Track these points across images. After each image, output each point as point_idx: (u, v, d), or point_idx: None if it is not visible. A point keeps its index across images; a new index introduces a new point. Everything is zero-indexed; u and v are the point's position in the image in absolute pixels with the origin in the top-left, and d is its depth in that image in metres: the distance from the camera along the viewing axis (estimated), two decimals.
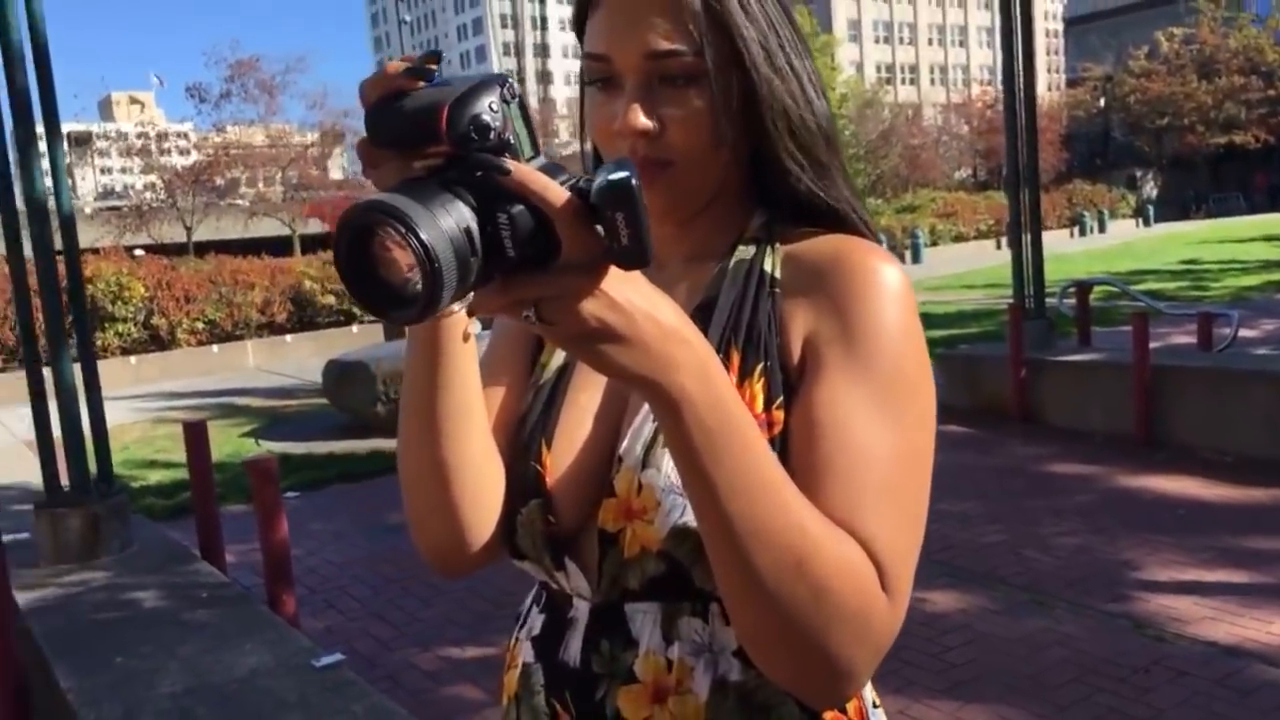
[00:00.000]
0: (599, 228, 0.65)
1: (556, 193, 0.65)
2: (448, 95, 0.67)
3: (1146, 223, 40.92)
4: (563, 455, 0.95)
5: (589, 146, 0.99)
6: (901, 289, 0.88)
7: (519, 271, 0.66)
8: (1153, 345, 7.14)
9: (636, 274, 0.69)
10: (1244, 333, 9.30)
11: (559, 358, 1.01)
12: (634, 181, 0.63)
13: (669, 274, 0.97)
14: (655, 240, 0.79)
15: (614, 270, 0.67)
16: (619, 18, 0.89)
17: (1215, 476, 6.04)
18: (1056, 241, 30.17)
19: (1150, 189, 50.01)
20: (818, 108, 0.93)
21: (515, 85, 0.70)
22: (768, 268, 0.93)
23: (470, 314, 0.71)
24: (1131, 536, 5.12)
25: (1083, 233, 36.34)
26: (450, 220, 0.62)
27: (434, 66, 0.70)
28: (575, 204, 0.65)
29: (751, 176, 0.96)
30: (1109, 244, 31.10)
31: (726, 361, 0.88)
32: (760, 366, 0.88)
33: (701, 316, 0.92)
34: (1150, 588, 4.44)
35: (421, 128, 0.67)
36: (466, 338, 0.87)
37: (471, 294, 0.67)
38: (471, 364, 0.90)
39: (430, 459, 0.92)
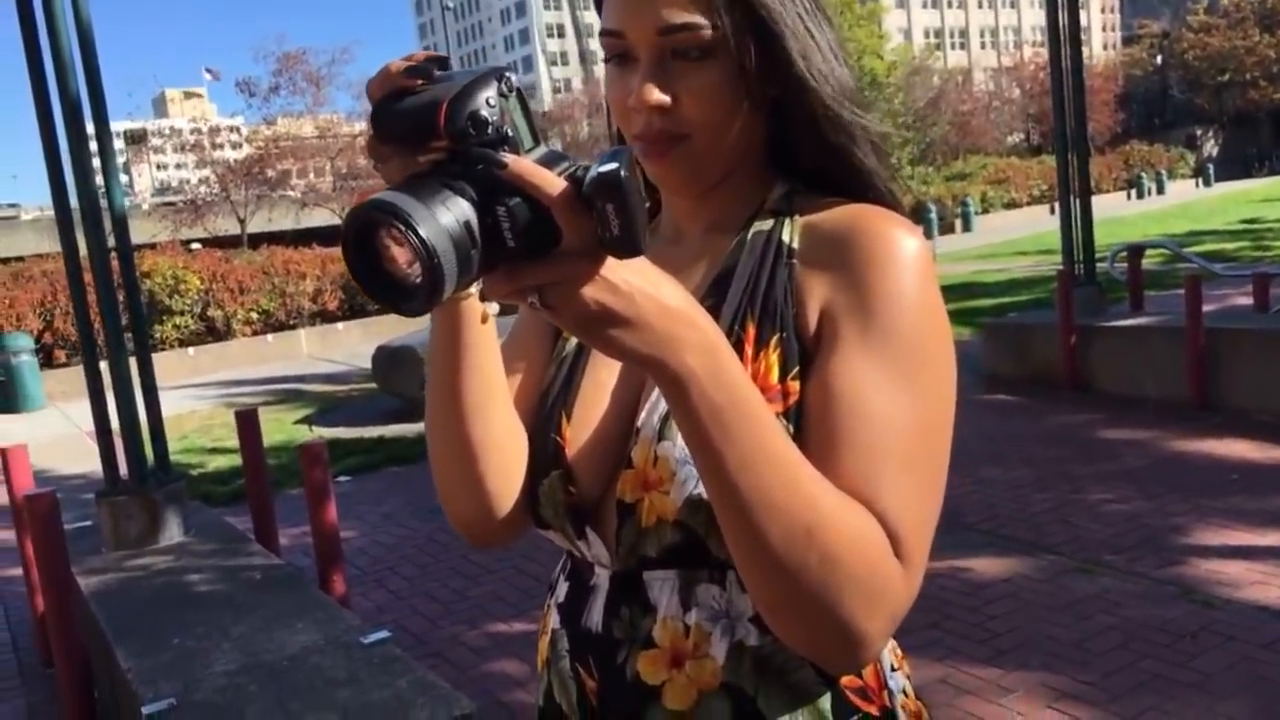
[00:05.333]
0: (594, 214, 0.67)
1: (552, 183, 0.67)
2: (447, 92, 0.70)
3: (1206, 183, 39.84)
4: (582, 427, 0.97)
5: (615, 126, 1.00)
6: (919, 257, 0.88)
7: (521, 259, 0.69)
8: (1207, 308, 6.98)
9: (639, 256, 0.71)
10: None
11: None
12: (623, 173, 0.65)
13: (688, 245, 0.99)
14: (675, 211, 0.79)
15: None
16: None
17: (1271, 440, 5.91)
18: (1113, 204, 29.56)
19: (1210, 148, 48.70)
20: (840, 74, 0.93)
21: (513, 79, 0.73)
22: (785, 238, 0.93)
23: (482, 300, 0.74)
24: (1182, 502, 5.04)
25: (1140, 195, 35.51)
26: (450, 215, 0.65)
27: (438, 69, 0.73)
28: (571, 193, 0.67)
29: (771, 148, 0.97)
30: (1167, 205, 30.35)
31: (742, 332, 0.90)
32: (776, 337, 0.89)
33: (719, 288, 0.93)
34: (1200, 553, 4.38)
35: (422, 124, 0.70)
36: (485, 319, 0.90)
37: (479, 281, 0.70)
38: (491, 344, 0.93)
39: (455, 436, 0.95)
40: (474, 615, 4.48)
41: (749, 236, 0.96)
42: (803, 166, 0.97)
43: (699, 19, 0.87)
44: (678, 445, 0.88)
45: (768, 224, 0.96)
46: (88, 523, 4.66)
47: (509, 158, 0.68)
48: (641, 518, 0.91)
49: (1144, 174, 37.43)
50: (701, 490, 0.86)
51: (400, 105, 0.72)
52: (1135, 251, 9.37)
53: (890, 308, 0.86)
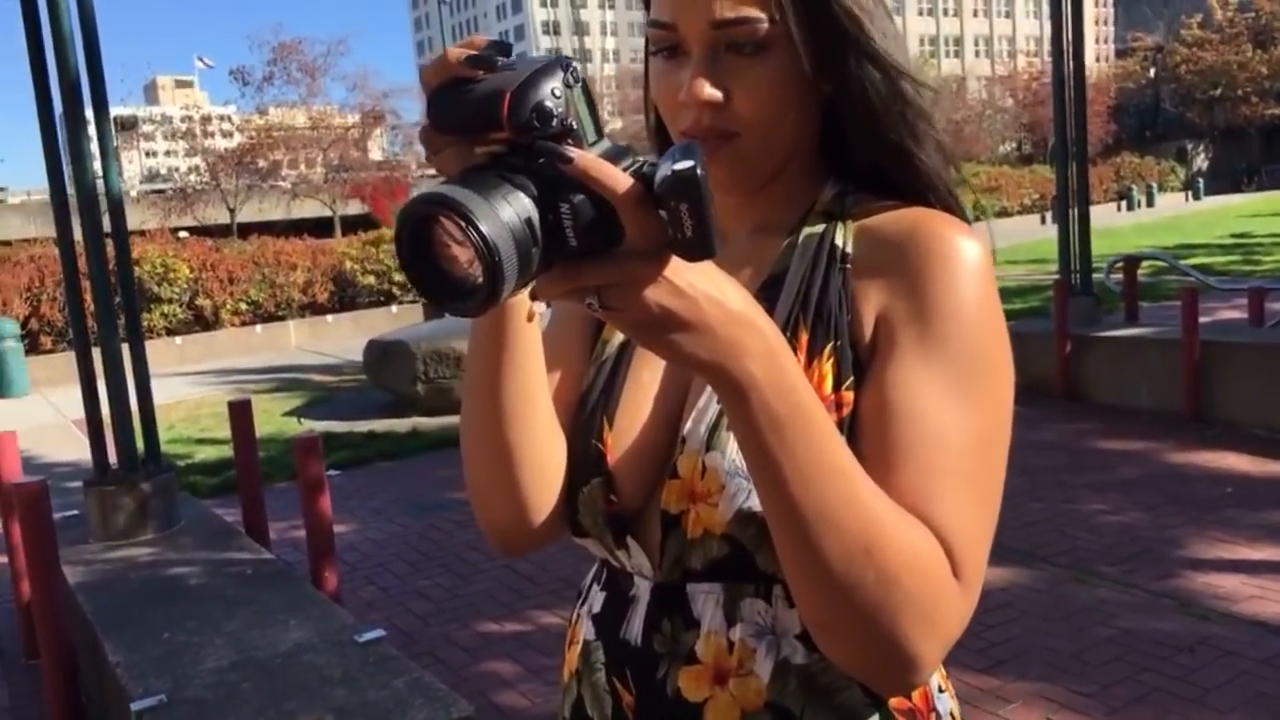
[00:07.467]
0: (662, 213, 0.63)
1: (619, 180, 0.63)
2: (510, 81, 0.66)
3: (1196, 196, 40.13)
4: (624, 434, 0.93)
5: (653, 118, 0.97)
6: (980, 263, 0.84)
7: (581, 258, 0.65)
8: (1202, 320, 7.00)
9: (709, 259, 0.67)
10: None
11: (621, 333, 0.99)
12: (699, 171, 0.62)
13: (735, 247, 0.95)
14: (720, 211, 0.75)
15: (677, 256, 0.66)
16: None
17: (1265, 453, 5.93)
18: (1104, 216, 29.71)
19: (1200, 161, 49.06)
20: (907, 68, 0.89)
21: (579, 69, 0.69)
22: (839, 242, 0.90)
23: (533, 299, 0.70)
24: (1178, 514, 5.03)
25: (1130, 207, 35.73)
26: (511, 211, 0.62)
27: (500, 56, 0.69)
28: (638, 191, 0.63)
29: (823, 147, 0.94)
30: (1157, 218, 30.53)
31: (794, 340, 0.86)
32: (830, 346, 0.86)
33: (768, 293, 0.90)
34: (1196, 566, 4.37)
35: (484, 115, 0.66)
36: (531, 318, 0.86)
37: (534, 280, 0.66)
38: (535, 344, 0.89)
39: (493, 438, 0.91)
40: (466, 614, 4.44)
41: (800, 239, 0.92)
42: (857, 165, 0.93)
43: (756, 12, 0.83)
44: (727, 456, 0.85)
45: (819, 227, 0.92)
46: (73, 512, 4.60)
47: (574, 152, 0.64)
48: (687, 529, 0.87)
49: (1134, 186, 37.65)
50: (753, 503, 0.82)
51: (460, 94, 0.68)
52: (1131, 263, 9.39)
53: (950, 316, 0.82)
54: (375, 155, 41.96)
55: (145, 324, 14.48)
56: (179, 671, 2.81)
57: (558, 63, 0.68)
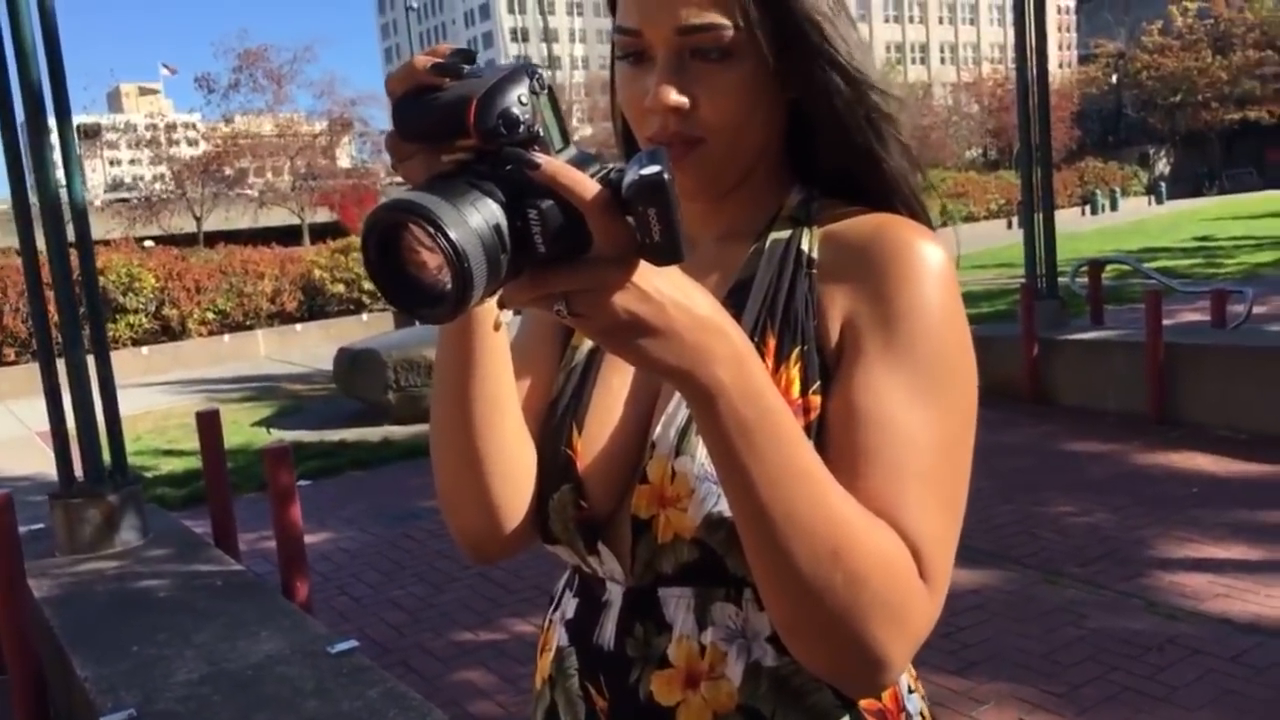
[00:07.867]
0: (630, 219, 0.64)
1: (586, 186, 0.64)
2: (476, 88, 0.66)
3: (1159, 200, 40.75)
4: (594, 440, 0.94)
5: (621, 124, 0.97)
6: (943, 269, 0.86)
7: (549, 265, 0.65)
8: (1166, 323, 7.11)
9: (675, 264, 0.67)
10: (1258, 309, 9.24)
11: (590, 340, 1.00)
12: (666, 176, 0.62)
13: (701, 253, 0.95)
14: (687, 217, 0.79)
15: (645, 262, 0.66)
16: None
17: (1229, 453, 6.01)
18: (1068, 220, 30.08)
19: (1163, 166, 49.77)
20: (870, 71, 0.90)
21: (545, 76, 0.69)
22: (805, 247, 0.91)
23: (501, 307, 0.71)
24: (1145, 515, 5.10)
25: (1094, 211, 36.23)
26: (479, 217, 0.62)
27: (465, 64, 0.69)
28: (605, 197, 0.64)
29: (788, 152, 0.95)
30: (1121, 222, 30.93)
31: (762, 345, 0.87)
32: (797, 350, 0.87)
33: (736, 298, 0.90)
34: (1163, 565, 4.43)
35: (450, 121, 0.67)
36: (497, 326, 0.86)
37: (502, 287, 0.66)
38: (503, 351, 0.89)
39: (462, 445, 0.91)
40: (439, 623, 4.41)
41: (767, 245, 0.93)
42: (823, 170, 0.95)
43: (720, 19, 0.84)
44: (696, 460, 0.85)
45: (785, 233, 0.93)
46: (38, 525, 4.54)
47: (541, 158, 0.65)
48: (657, 534, 0.88)
49: (1098, 190, 38.18)
50: (722, 507, 0.83)
51: (426, 101, 0.69)
52: (1096, 266, 9.51)
53: (914, 321, 0.84)
54: (343, 163, 41.70)
55: (111, 334, 14.31)
56: (149, 685, 2.78)
57: (524, 69, 0.68)
